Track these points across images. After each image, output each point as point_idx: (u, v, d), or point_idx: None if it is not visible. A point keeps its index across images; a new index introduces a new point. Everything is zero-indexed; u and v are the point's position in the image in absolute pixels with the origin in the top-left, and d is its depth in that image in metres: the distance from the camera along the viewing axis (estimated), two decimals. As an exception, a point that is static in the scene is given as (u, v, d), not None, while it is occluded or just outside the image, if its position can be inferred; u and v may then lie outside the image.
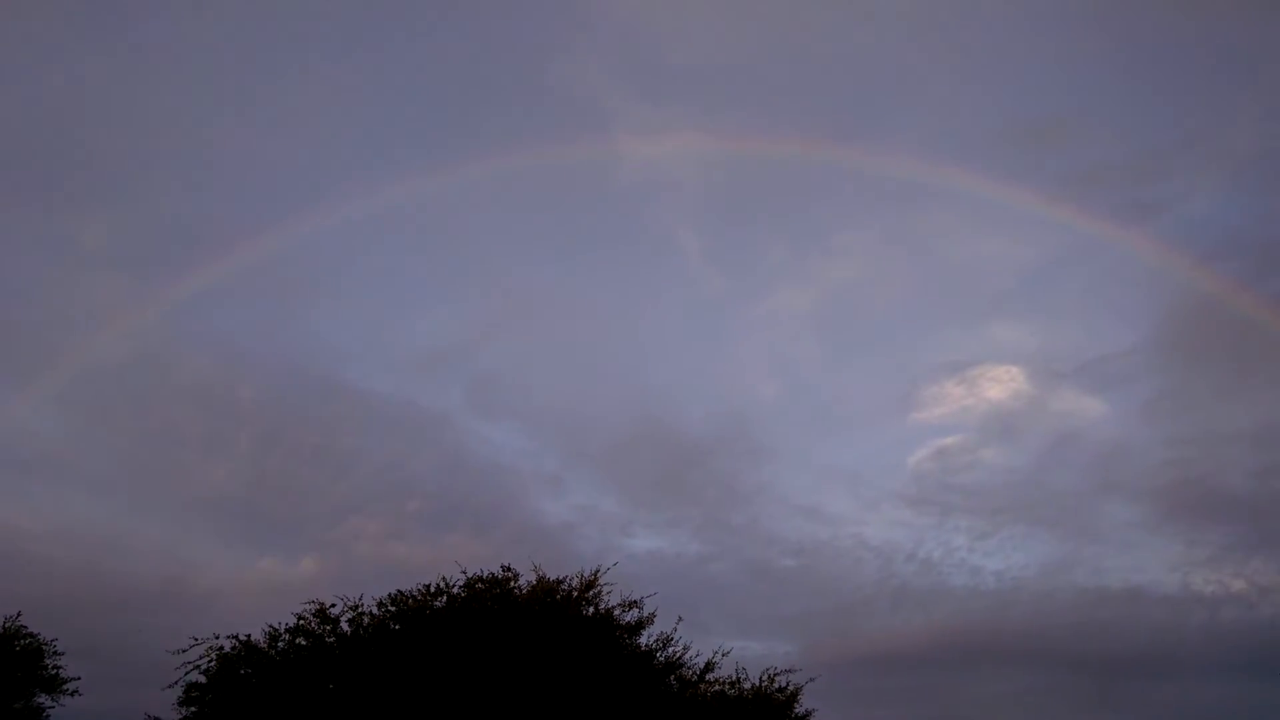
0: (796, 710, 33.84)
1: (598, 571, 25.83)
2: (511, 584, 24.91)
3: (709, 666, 29.11)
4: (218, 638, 24.08)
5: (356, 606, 24.59)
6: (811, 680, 33.26)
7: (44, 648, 29.57)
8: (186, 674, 23.89)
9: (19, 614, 29.22)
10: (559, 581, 25.40)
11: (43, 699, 29.32)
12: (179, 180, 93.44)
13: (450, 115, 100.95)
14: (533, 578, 25.42)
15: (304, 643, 24.22)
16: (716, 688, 32.07)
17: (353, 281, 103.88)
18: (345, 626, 24.42)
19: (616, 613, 26.14)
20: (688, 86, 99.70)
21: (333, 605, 24.50)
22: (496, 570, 25.28)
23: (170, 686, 24.02)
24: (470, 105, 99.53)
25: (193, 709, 24.09)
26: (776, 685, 33.35)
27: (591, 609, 25.62)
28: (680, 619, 27.39)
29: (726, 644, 30.21)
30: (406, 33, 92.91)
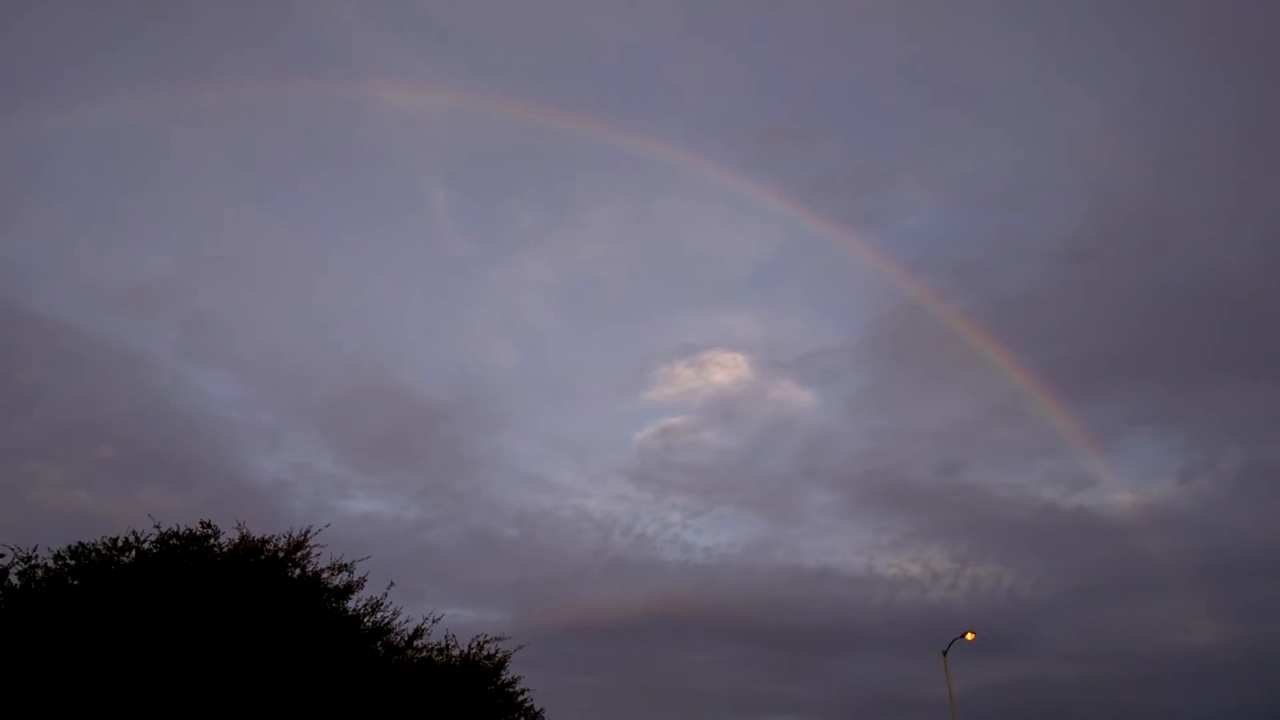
0: (503, 677, 34.31)
1: (308, 532, 24.89)
2: (211, 541, 23.45)
3: (418, 633, 28.89)
4: None
5: (29, 559, 22.25)
6: (520, 648, 33.77)
7: None
8: None
9: None
10: (264, 541, 24.22)
11: None
12: None
13: (177, 33, 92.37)
14: (236, 536, 24.08)
15: (-38, 598, 21.72)
16: (424, 654, 31.92)
17: (42, 202, 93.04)
18: (15, 580, 22.09)
19: (325, 576, 25.35)
20: (451, 41, 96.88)
21: (1, 555, 22.03)
22: (195, 526, 23.67)
23: None
24: (204, 26, 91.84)
25: None
26: (485, 653, 33.65)
27: (298, 571, 24.67)
28: (392, 584, 26.98)
29: (440, 611, 30.13)
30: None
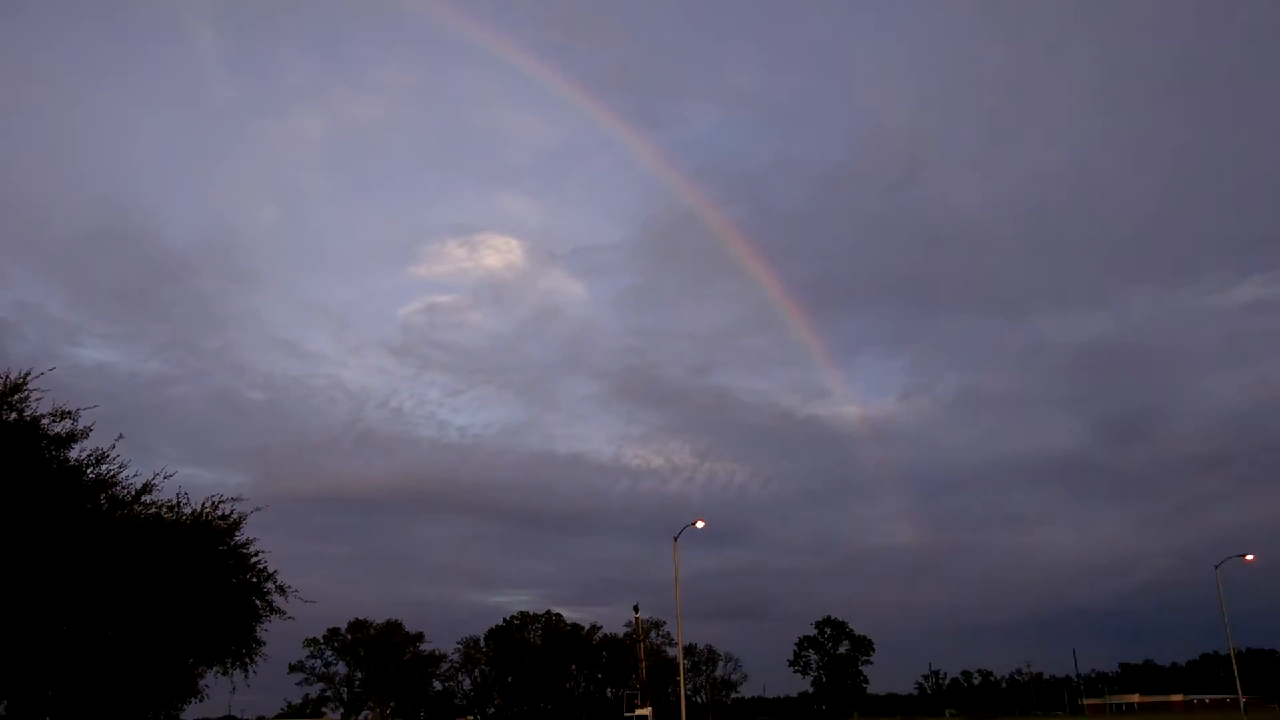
0: (237, 539, 33.67)
1: (27, 375, 23.26)
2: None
3: (146, 488, 27.88)
4: None
5: None
6: (258, 510, 33.22)
7: None
8: None
9: None
10: (-25, 380, 22.47)
11: None
12: None
13: None
14: (-59, 373, 22.20)
15: None
16: (154, 511, 30.79)
17: None
18: None
19: (45, 422, 23.88)
20: None
21: None
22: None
23: None
24: None
25: None
26: (220, 513, 32.84)
27: (14, 415, 23.10)
28: (121, 436, 25.81)
29: (174, 468, 29.10)
30: None
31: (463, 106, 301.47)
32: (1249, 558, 70.04)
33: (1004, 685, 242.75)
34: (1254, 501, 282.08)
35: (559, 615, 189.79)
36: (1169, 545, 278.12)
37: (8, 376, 22.88)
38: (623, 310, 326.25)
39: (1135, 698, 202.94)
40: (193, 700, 48.88)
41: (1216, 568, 67.92)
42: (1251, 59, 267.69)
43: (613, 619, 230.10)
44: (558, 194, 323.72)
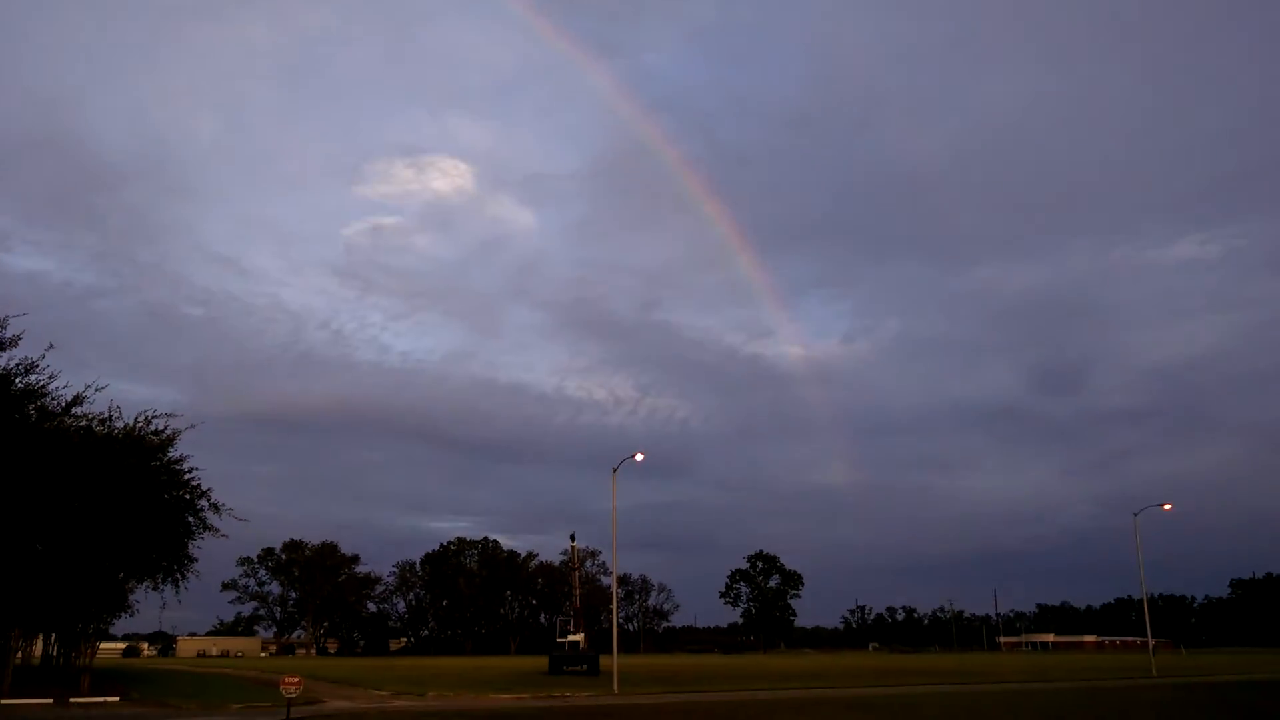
0: (171, 454, 33.25)
1: (-48, 279, 22.42)
2: None
3: (77, 399, 27.35)
4: None
5: None
6: (192, 427, 32.81)
7: None
8: None
9: None
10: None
11: None
12: None
13: None
14: None
15: None
16: (85, 423, 30.20)
17: None
18: None
19: (-29, 329, 23.12)
20: None
21: None
22: None
23: None
24: None
25: None
26: (153, 428, 32.35)
27: (-63, 320, 22.34)
28: (51, 346, 25.13)
29: (106, 382, 28.49)
30: None
31: (416, 23, 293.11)
32: (1167, 506, 72.54)
33: (926, 622, 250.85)
34: (1175, 454, 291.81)
35: (496, 542, 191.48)
36: (1091, 493, 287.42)
37: (-69, 280, 22.02)
38: (572, 241, 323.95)
39: (1050, 637, 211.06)
40: (122, 615, 48.67)
41: (1135, 515, 70.28)
42: (1201, 15, 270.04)
43: (549, 547, 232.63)
44: (509, 118, 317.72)
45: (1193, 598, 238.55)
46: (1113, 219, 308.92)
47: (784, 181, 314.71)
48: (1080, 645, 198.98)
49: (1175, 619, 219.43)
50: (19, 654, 49.09)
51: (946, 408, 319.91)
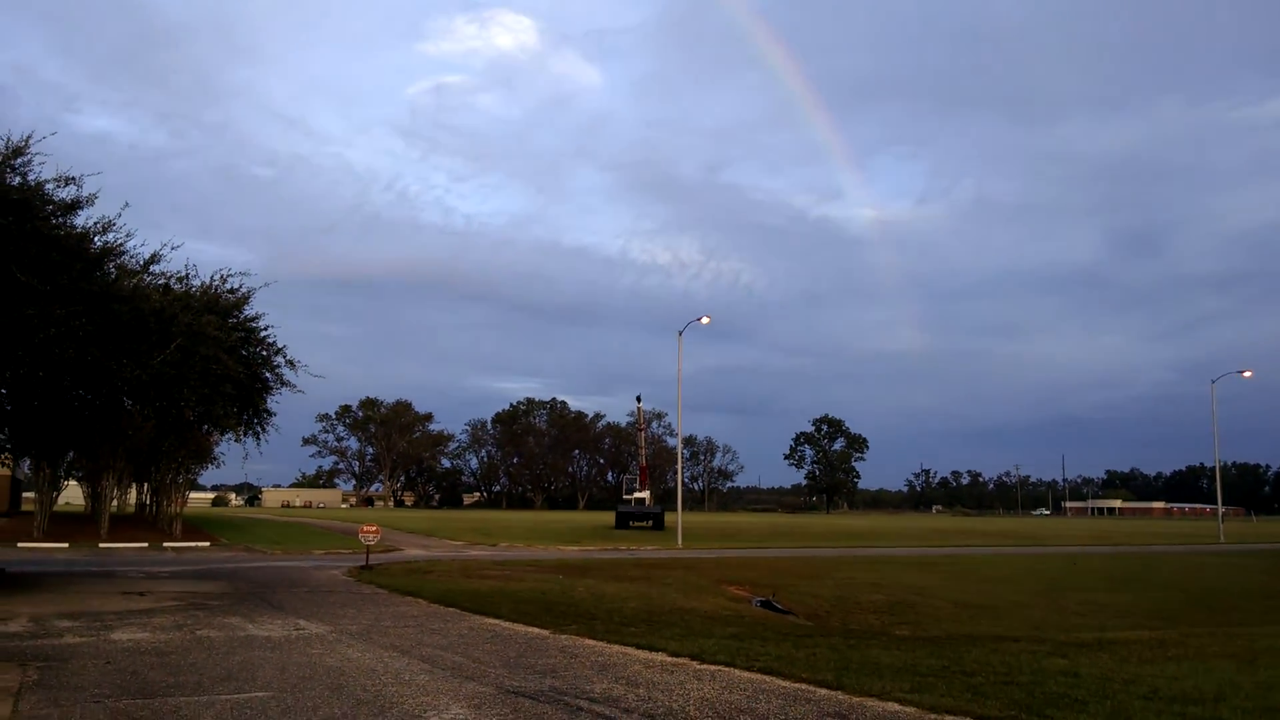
0: (246, 312, 34.05)
1: (29, 138, 22.75)
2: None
3: (154, 258, 27.80)
4: None
5: None
6: (265, 285, 33.30)
7: None
8: None
9: None
10: (-25, 142, 21.98)
11: None
12: None
13: None
14: (-59, 132, 21.70)
15: None
16: (163, 281, 30.96)
17: None
18: None
19: (49, 188, 23.56)
20: None
21: None
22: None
23: None
24: None
25: None
26: (228, 286, 33.06)
27: (18, 179, 22.77)
28: (127, 204, 25.48)
29: (181, 240, 29.02)
30: None
31: None
32: (1247, 374, 70.88)
33: (991, 486, 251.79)
34: (1258, 321, 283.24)
35: (564, 402, 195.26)
36: (1168, 359, 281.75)
37: (9, 140, 22.37)
38: (638, 99, 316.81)
39: (1117, 503, 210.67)
40: (208, 466, 51.02)
41: (1213, 382, 68.74)
42: None
43: (616, 409, 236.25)
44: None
45: (1266, 466, 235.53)
46: (1205, 74, 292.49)
47: (859, 34, 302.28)
48: (1149, 512, 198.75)
49: (1247, 487, 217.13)
50: (115, 502, 51.98)
51: (1023, 272, 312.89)
